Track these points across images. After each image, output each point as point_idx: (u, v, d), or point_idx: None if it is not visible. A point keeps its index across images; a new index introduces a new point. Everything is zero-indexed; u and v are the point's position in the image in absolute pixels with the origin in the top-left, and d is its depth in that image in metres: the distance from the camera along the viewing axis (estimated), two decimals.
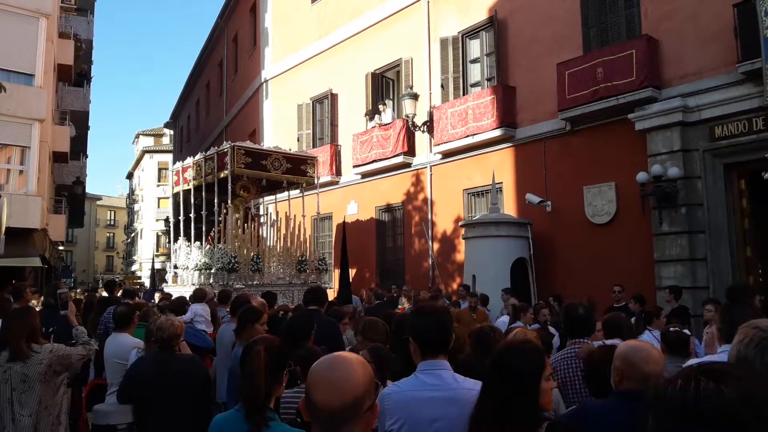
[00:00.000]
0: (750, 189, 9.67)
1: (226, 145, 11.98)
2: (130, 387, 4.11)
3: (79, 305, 8.54)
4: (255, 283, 11.35)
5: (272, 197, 15.22)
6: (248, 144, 12.75)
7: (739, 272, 9.34)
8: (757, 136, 8.95)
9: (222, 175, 12.04)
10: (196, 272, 12.09)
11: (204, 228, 12.85)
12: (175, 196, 13.86)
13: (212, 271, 11.55)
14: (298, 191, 14.23)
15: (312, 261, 12.54)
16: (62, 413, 4.16)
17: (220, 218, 12.43)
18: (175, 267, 13.13)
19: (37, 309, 6.69)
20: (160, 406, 3.88)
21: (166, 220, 37.87)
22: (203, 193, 12.75)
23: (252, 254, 11.59)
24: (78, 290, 16.96)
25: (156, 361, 4.04)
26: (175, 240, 13.44)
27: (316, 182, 13.50)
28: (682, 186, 9.54)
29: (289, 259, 12.37)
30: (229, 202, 11.86)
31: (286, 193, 14.39)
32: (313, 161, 13.36)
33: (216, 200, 12.66)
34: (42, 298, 8.41)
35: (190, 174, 13.22)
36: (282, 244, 12.84)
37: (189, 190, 13.12)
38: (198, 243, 12.63)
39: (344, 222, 11.76)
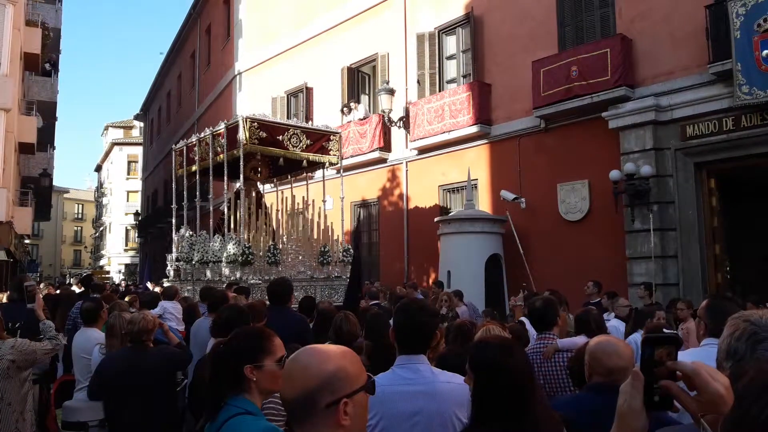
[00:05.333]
0: (720, 187, 9.88)
1: (236, 118, 10.25)
2: (100, 383, 4.02)
3: (48, 301, 8.31)
4: (272, 277, 9.55)
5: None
6: (262, 116, 10.78)
7: (708, 269, 9.53)
8: (727, 136, 9.14)
9: (231, 156, 10.23)
10: (202, 266, 10.72)
11: (212, 216, 11.33)
12: (178, 180, 12.28)
13: (222, 263, 10.07)
14: (270, 185, 13.67)
15: (335, 252, 10.76)
16: (27, 410, 4.04)
17: (229, 204, 11.18)
18: (177, 260, 11.56)
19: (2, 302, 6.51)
20: (131, 401, 3.81)
21: (136, 214, 37.27)
22: (211, 176, 10.98)
23: (269, 244, 10.05)
24: (42, 285, 16.42)
25: (127, 357, 3.96)
26: (177, 230, 11.98)
27: (340, 162, 11.67)
28: (654, 184, 9.69)
29: (310, 250, 10.70)
30: (241, 184, 10.28)
31: (269, 185, 13.44)
32: (337, 137, 11.39)
33: (225, 183, 11.36)
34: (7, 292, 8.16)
35: (195, 154, 11.41)
36: (300, 233, 11.09)
37: (194, 172, 11.48)
38: (204, 232, 11.23)
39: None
